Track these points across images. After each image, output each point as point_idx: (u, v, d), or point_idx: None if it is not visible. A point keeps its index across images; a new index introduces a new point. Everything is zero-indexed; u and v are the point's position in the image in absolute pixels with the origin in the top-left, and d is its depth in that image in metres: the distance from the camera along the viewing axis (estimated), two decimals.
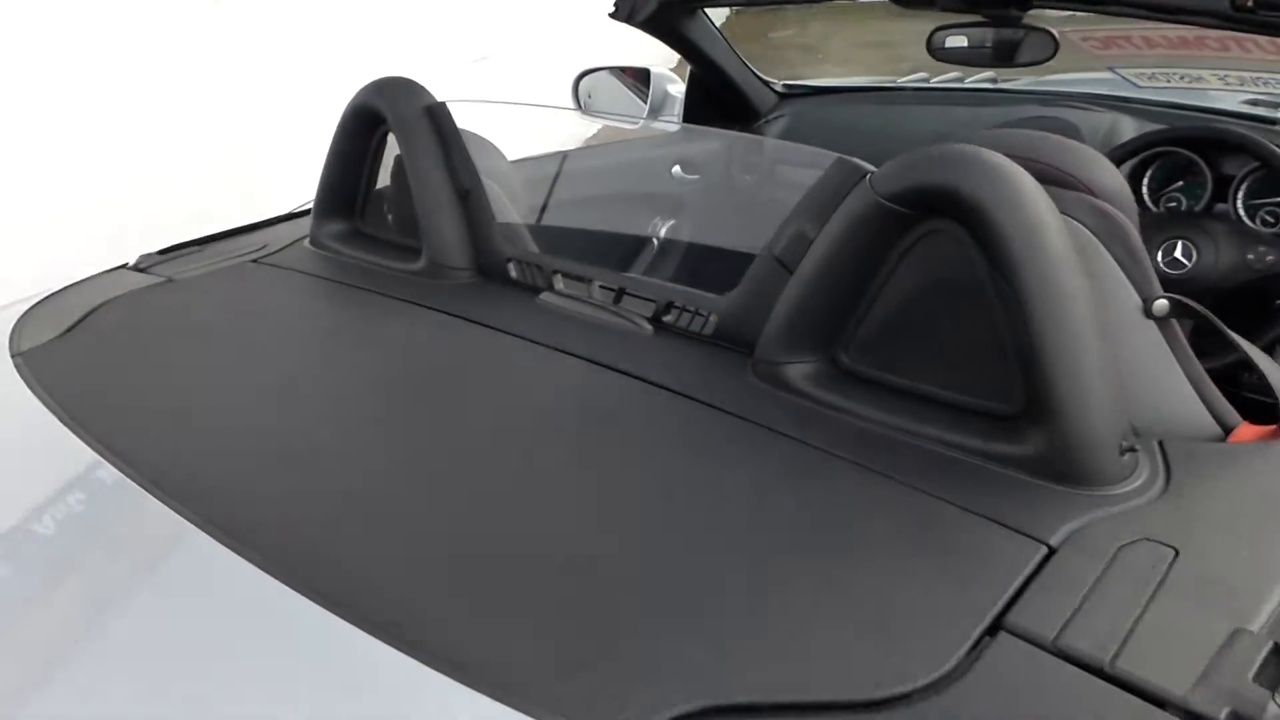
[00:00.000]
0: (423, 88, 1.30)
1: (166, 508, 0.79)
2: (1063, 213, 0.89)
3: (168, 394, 1.00)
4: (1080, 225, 0.89)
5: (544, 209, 1.51)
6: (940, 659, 0.62)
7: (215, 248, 1.46)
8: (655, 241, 1.77)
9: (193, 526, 0.76)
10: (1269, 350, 1.53)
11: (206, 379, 1.03)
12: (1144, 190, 1.75)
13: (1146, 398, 0.91)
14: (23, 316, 1.21)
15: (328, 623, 0.66)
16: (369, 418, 0.94)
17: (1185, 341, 0.93)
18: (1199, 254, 1.54)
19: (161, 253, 1.44)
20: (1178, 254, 1.55)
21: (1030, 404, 0.82)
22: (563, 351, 1.04)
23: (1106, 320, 0.88)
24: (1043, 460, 0.80)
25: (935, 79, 2.48)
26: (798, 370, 0.94)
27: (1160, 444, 0.86)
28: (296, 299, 1.26)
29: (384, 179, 1.42)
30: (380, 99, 1.30)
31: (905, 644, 0.63)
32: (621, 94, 2.40)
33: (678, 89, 2.30)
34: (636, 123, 2.35)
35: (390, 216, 1.39)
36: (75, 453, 0.88)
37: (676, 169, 2.18)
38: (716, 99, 2.29)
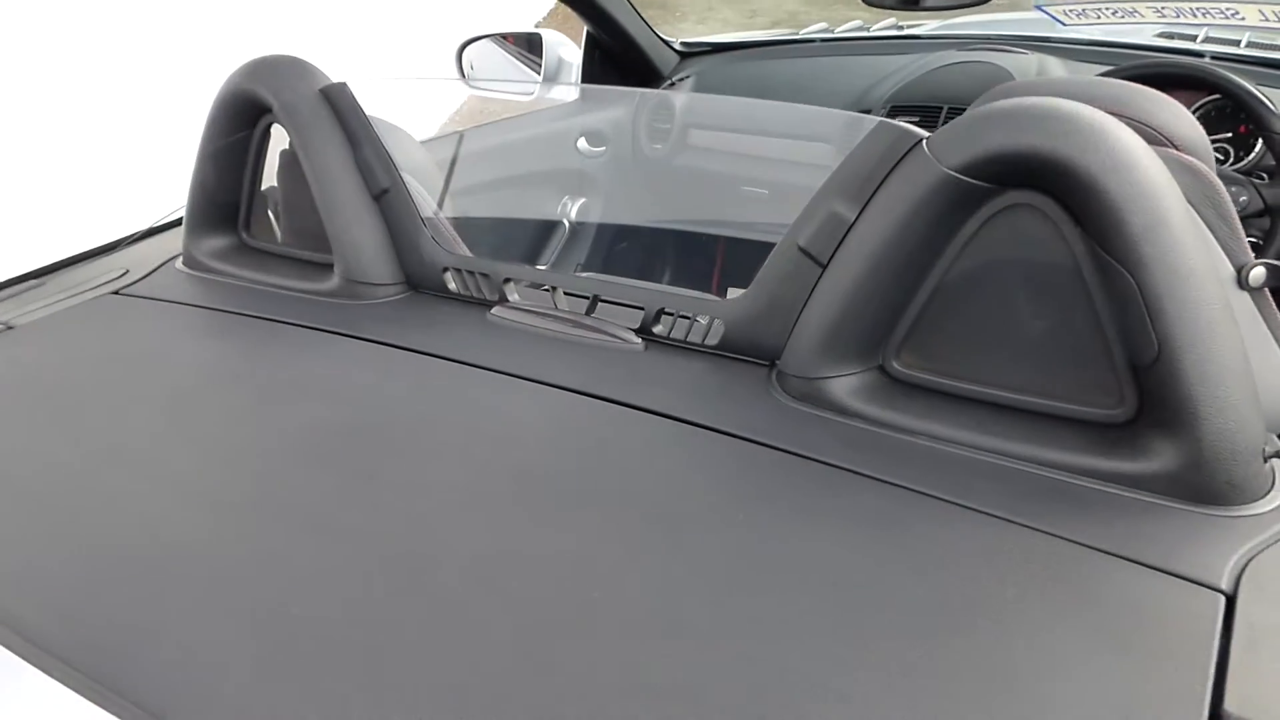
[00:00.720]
0: (313, 67, 1.07)
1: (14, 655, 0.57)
2: None
3: (15, 490, 0.75)
4: None
5: (466, 197, 1.29)
6: None
7: (63, 278, 1.19)
8: (606, 227, 1.57)
9: (54, 680, 0.54)
10: None
11: (54, 461, 0.78)
12: None
13: None
14: None
15: None
16: (290, 501, 0.71)
17: (1278, 311, 0.80)
18: None
19: None
20: None
21: (1149, 408, 0.68)
22: (532, 380, 0.84)
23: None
24: (1174, 477, 0.66)
25: (838, 30, 2.35)
26: (842, 384, 0.78)
27: None
28: (174, 339, 1.01)
29: (270, 179, 1.17)
30: (260, 83, 1.05)
31: None
32: (508, 63, 2.17)
33: (572, 54, 2.10)
34: (530, 93, 2.13)
35: (284, 225, 1.15)
36: None
37: (581, 142, 1.99)
38: (616, 62, 2.09)
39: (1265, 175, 1.49)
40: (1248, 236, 1.49)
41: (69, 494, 0.73)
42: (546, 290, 0.97)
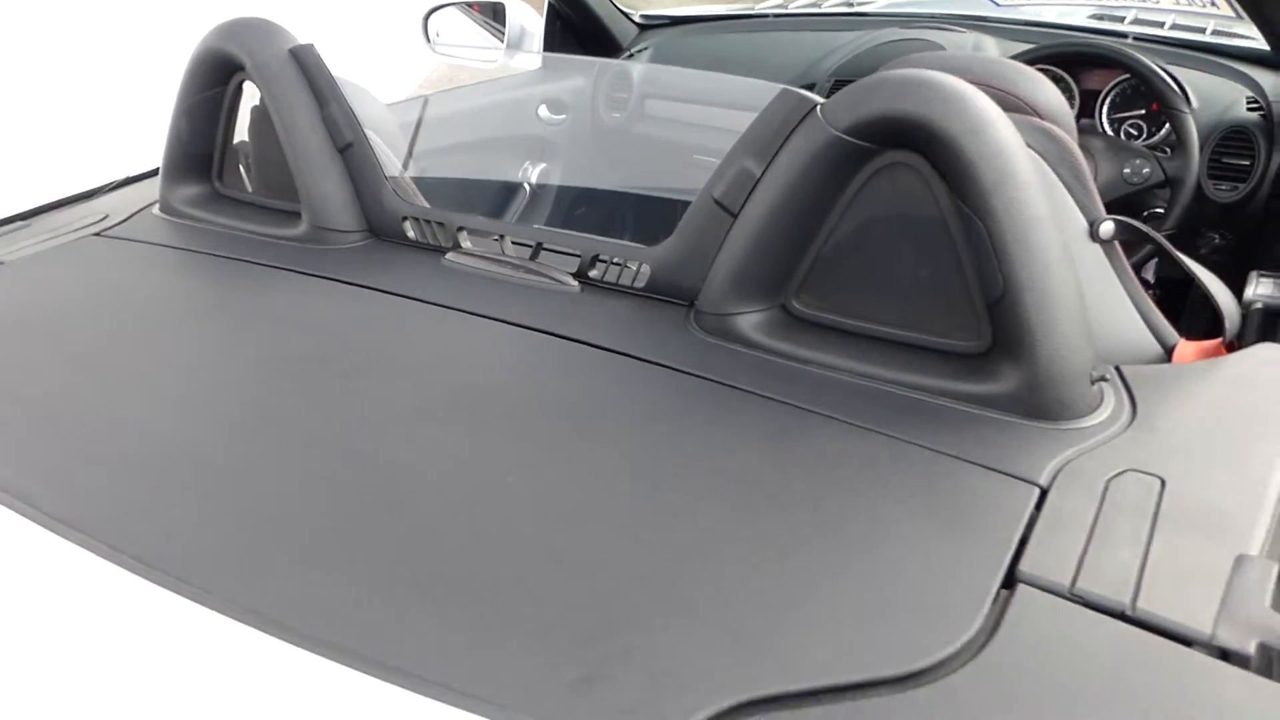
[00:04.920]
0: (282, 28, 1.16)
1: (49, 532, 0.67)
2: None
3: (11, 404, 0.85)
4: (1029, 148, 0.87)
5: (432, 159, 1.38)
6: (966, 621, 0.58)
7: (46, 221, 1.27)
8: (564, 190, 1.67)
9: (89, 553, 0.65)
10: (1143, 262, 1.59)
11: (58, 380, 0.87)
12: None
13: (1094, 321, 0.91)
14: None
15: (297, 660, 0.57)
16: (268, 412, 0.81)
17: (1127, 263, 0.92)
18: None
19: None
20: None
21: (999, 339, 0.80)
22: (480, 315, 0.95)
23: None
24: (1016, 397, 0.78)
25: (792, 4, 2.46)
26: (748, 320, 0.89)
27: (1119, 370, 0.85)
28: (155, 275, 1.10)
29: (241, 134, 1.26)
30: (234, 43, 1.14)
31: (928, 609, 0.60)
32: (473, 30, 2.25)
33: (534, 23, 2.18)
34: (494, 61, 2.21)
35: (255, 176, 1.25)
36: None
37: (543, 110, 2.08)
38: (576, 33, 2.18)
39: (1169, 150, 1.62)
40: (1154, 206, 1.62)
41: (74, 406, 0.83)
42: (496, 239, 1.07)
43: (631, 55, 2.23)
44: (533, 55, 2.23)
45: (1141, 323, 0.91)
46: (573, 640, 0.57)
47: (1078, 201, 0.89)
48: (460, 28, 2.25)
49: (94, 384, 0.86)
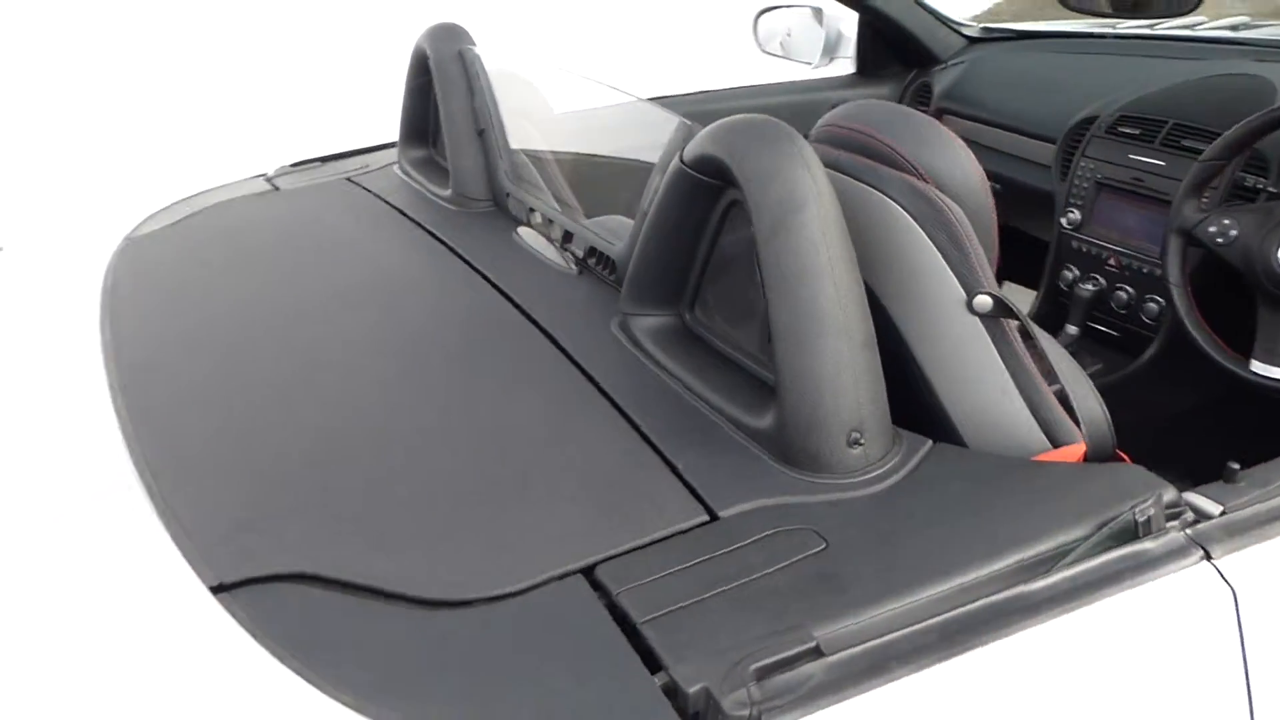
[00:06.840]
0: (463, 32, 1.44)
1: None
2: (878, 190, 0.87)
3: (190, 279, 1.24)
4: (897, 206, 0.86)
5: (559, 154, 1.59)
6: (506, 584, 0.69)
7: (337, 165, 1.71)
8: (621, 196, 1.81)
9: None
10: None
11: (228, 276, 1.25)
12: None
13: (963, 394, 0.87)
14: (163, 209, 1.52)
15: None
16: (311, 318, 1.10)
17: (1021, 346, 0.87)
18: None
19: (293, 165, 1.71)
20: None
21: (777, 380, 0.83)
22: (490, 282, 1.15)
23: (924, 309, 0.86)
24: (771, 437, 0.81)
25: (1159, 27, 2.20)
26: (641, 323, 0.99)
27: (932, 447, 0.82)
28: (347, 211, 1.46)
29: None
30: (426, 43, 1.45)
31: (493, 569, 0.71)
32: (800, 34, 2.37)
33: (850, 29, 2.25)
34: (810, 63, 2.32)
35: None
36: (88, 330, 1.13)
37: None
38: (889, 41, 2.21)
39: None
40: None
41: (218, 297, 1.19)
42: (549, 223, 1.26)
43: (944, 68, 2.20)
44: (846, 61, 2.31)
45: (1025, 411, 0.86)
46: (261, 496, 0.79)
47: (955, 270, 0.85)
48: (789, 31, 2.38)
49: (233, 284, 1.23)
